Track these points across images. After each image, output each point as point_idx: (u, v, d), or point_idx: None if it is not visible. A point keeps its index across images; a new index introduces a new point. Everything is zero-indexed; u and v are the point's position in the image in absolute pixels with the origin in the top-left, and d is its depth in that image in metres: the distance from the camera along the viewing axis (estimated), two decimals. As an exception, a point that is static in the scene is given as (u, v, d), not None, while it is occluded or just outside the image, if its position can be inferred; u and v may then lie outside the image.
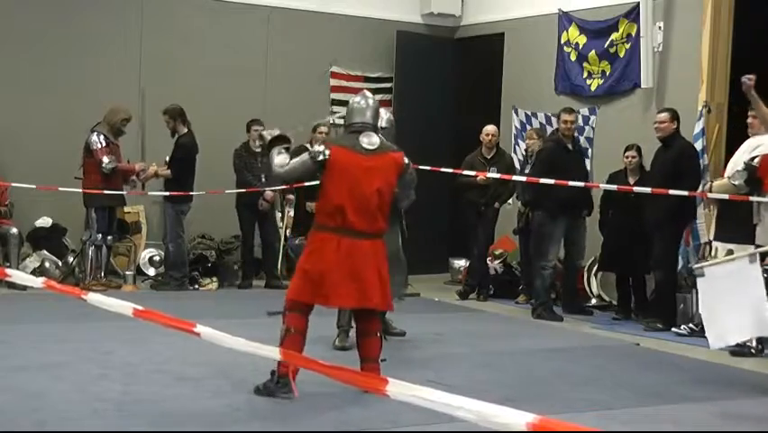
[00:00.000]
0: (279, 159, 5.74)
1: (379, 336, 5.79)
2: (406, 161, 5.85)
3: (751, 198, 7.45)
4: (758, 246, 7.52)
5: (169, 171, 9.99)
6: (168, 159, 10.03)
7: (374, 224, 5.56)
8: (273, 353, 3.19)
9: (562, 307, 9.58)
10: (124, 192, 10.05)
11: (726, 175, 7.90)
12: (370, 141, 5.66)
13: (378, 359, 5.70)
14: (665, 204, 8.29)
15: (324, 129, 10.42)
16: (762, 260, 7.60)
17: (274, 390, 5.43)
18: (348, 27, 12.15)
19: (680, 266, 8.90)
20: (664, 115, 8.65)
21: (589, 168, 10.19)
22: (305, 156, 5.70)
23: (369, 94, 6.01)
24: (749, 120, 7.97)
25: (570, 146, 9.46)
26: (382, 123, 7.14)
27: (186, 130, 10.01)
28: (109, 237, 9.99)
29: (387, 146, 5.79)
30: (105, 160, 9.64)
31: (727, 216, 7.81)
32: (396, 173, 5.72)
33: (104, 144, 9.70)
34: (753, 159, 7.58)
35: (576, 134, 9.82)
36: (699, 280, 6.55)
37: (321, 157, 5.55)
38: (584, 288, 9.99)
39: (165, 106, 10.01)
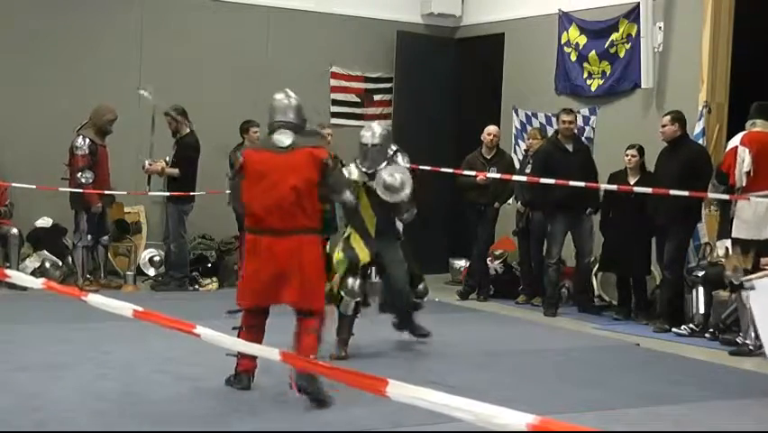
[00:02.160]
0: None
1: (315, 335, 5.62)
2: (329, 159, 5.68)
3: (750, 196, 7.50)
4: (735, 240, 7.62)
5: (176, 170, 9.97)
6: (168, 159, 10.03)
7: (293, 221, 5.51)
8: (273, 354, 3.18)
9: (576, 306, 9.74)
10: (124, 192, 10.05)
11: None
12: (284, 138, 5.63)
13: (309, 355, 5.41)
14: (682, 204, 8.28)
15: (329, 131, 10.45)
16: None
17: (232, 382, 5.71)
18: (348, 27, 12.14)
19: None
20: (666, 119, 8.68)
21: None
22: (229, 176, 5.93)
23: (291, 93, 5.84)
24: None
25: (569, 147, 9.48)
26: (375, 139, 6.90)
27: (188, 130, 10.02)
28: (105, 237, 9.99)
29: (305, 142, 5.71)
30: (81, 176, 9.57)
31: (723, 216, 7.91)
32: (315, 169, 5.57)
33: (87, 151, 9.63)
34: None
35: (577, 134, 9.81)
36: (751, 294, 6.55)
37: (237, 164, 5.75)
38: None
39: (167, 106, 10.01)
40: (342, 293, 6.81)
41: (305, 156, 5.59)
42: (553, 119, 11.05)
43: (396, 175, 6.85)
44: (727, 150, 7.86)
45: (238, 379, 5.69)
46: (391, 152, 7.07)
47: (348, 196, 6.04)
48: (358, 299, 6.85)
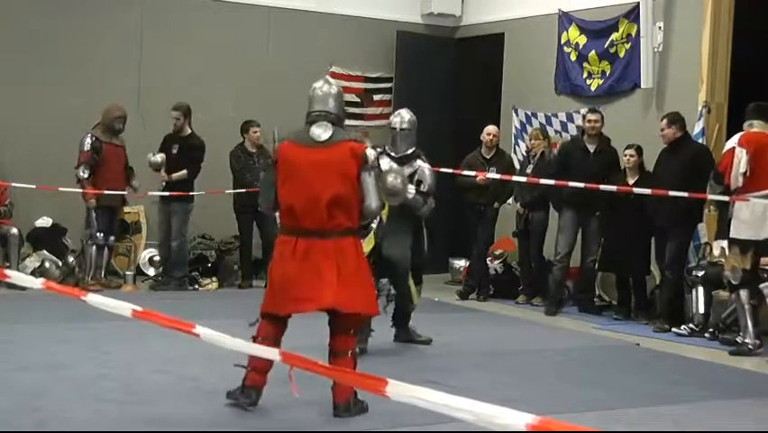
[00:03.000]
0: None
1: (351, 355, 5.25)
2: (371, 155, 5.23)
3: (750, 197, 7.50)
4: (732, 240, 7.63)
5: (184, 172, 9.98)
6: (159, 155, 9.97)
7: (329, 221, 5.09)
8: (272, 354, 3.18)
9: (576, 306, 9.77)
10: (125, 192, 10.06)
11: None
12: (322, 131, 5.21)
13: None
14: (682, 205, 8.29)
15: None
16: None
17: (237, 396, 5.28)
18: (348, 27, 12.15)
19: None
20: (663, 123, 8.71)
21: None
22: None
23: (332, 80, 5.51)
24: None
25: (591, 147, 9.47)
26: (403, 124, 7.13)
27: (189, 131, 10.03)
28: (111, 237, 10.01)
29: (344, 136, 5.25)
30: (81, 169, 9.63)
31: (722, 216, 7.93)
32: (355, 165, 5.14)
33: (89, 148, 9.68)
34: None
35: (606, 135, 9.60)
36: None
37: (274, 157, 5.39)
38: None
39: (175, 103, 10.01)
40: None
41: (345, 151, 5.15)
42: (553, 119, 11.09)
43: (398, 179, 6.70)
44: (725, 150, 7.87)
45: (246, 393, 5.24)
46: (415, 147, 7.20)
47: (377, 208, 5.47)
48: None
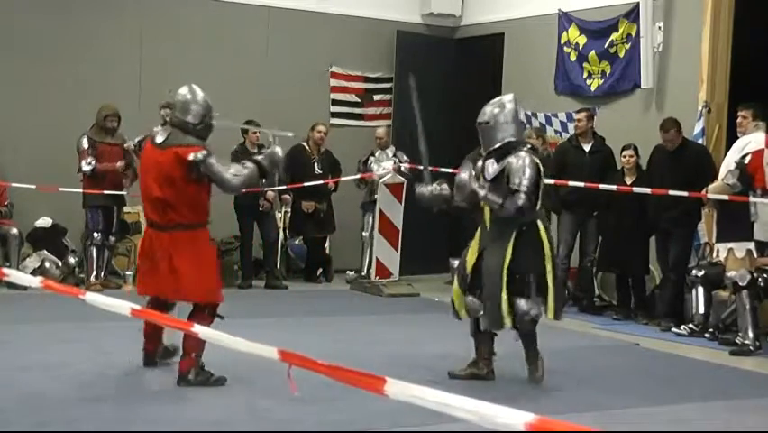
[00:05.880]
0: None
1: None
2: (194, 156, 5.65)
3: (751, 199, 7.50)
4: (759, 242, 7.61)
5: None
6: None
7: (164, 217, 5.74)
8: (272, 353, 3.18)
9: (576, 306, 9.74)
10: (124, 192, 10.05)
11: (719, 177, 7.97)
12: (159, 135, 5.81)
13: (191, 353, 5.60)
14: (687, 207, 8.29)
15: (322, 129, 10.46)
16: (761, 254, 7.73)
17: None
18: (348, 27, 12.14)
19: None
20: (671, 132, 8.67)
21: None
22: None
23: (197, 89, 5.87)
24: (738, 120, 8.07)
25: (586, 147, 9.53)
26: (482, 117, 6.35)
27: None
28: (111, 237, 10.00)
29: (176, 142, 5.74)
30: (83, 164, 9.65)
31: (725, 216, 7.90)
32: (180, 169, 5.68)
33: (85, 147, 9.71)
34: (743, 157, 7.70)
35: (600, 135, 9.69)
36: None
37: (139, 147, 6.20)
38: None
39: (164, 101, 9.98)
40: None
41: (170, 155, 5.68)
42: (553, 119, 11.09)
43: (464, 174, 6.26)
44: (753, 151, 7.77)
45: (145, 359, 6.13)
46: (512, 138, 6.27)
47: (234, 183, 6.00)
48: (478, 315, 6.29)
